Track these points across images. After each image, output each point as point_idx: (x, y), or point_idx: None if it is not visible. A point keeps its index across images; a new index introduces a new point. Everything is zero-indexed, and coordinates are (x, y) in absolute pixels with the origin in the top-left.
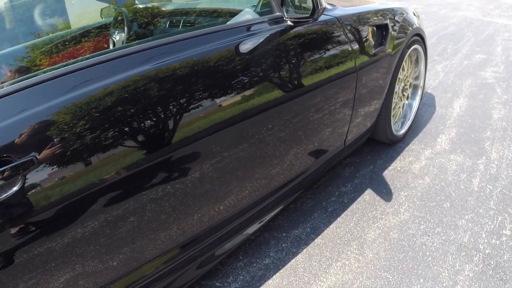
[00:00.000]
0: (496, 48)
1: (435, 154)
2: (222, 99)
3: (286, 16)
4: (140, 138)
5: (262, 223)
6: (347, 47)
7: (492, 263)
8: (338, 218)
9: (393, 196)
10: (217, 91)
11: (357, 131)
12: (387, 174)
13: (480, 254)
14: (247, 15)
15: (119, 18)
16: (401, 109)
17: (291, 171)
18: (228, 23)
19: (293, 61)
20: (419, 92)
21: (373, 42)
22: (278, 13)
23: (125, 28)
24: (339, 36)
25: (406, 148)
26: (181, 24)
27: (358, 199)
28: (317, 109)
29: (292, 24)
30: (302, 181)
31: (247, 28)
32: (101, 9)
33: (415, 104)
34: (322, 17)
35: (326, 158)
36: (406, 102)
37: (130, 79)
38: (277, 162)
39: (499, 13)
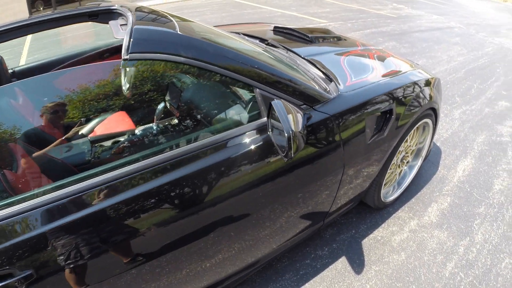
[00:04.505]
0: None
1: (420, 227)
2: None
3: (270, 131)
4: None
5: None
6: (336, 145)
7: None
8: (306, 284)
9: (364, 269)
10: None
11: (339, 211)
12: (366, 242)
13: None
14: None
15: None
16: (397, 175)
17: (269, 246)
18: (219, 133)
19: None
20: (420, 159)
21: (370, 132)
22: (264, 119)
23: None
24: (328, 137)
25: (394, 215)
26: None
27: (330, 266)
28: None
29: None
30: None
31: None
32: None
33: (415, 169)
34: (316, 116)
35: (303, 236)
36: (405, 167)
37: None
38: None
39: None
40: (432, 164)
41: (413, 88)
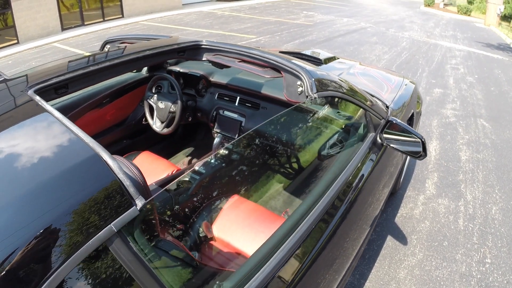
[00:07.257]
0: (448, 79)
1: (427, 200)
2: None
3: (384, 142)
4: None
5: None
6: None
7: (483, 284)
8: (375, 263)
9: (408, 239)
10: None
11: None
12: (398, 220)
13: (474, 279)
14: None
15: None
16: None
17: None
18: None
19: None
20: None
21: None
22: (372, 133)
23: None
24: None
25: (405, 195)
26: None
27: (384, 245)
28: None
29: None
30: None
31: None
32: None
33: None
34: None
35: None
36: None
37: None
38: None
39: (440, 33)
40: None
41: (414, 93)
